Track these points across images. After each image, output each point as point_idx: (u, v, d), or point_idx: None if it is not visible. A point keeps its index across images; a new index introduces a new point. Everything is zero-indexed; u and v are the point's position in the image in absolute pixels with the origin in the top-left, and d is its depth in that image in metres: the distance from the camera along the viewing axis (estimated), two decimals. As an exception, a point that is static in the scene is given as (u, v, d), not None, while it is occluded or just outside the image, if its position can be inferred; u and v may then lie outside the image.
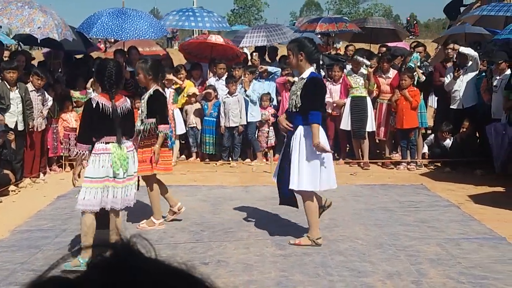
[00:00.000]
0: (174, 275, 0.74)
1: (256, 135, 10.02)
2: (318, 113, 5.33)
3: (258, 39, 11.75)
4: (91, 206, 4.90)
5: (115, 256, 0.74)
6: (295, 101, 5.42)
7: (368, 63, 9.56)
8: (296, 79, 5.67)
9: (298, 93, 5.40)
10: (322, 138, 5.35)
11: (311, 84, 5.36)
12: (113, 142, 4.96)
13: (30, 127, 8.10)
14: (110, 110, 4.92)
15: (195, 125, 10.10)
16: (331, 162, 5.56)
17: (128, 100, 5.20)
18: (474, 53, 9.18)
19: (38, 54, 13.20)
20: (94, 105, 4.92)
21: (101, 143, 4.97)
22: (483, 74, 9.27)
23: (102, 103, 4.92)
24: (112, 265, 0.73)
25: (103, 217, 5.04)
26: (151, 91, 5.93)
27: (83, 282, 0.71)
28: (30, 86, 8.34)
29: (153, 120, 5.90)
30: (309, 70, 5.44)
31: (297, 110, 5.41)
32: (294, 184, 5.41)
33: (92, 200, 4.89)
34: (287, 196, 5.69)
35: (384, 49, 11.20)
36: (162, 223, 6.25)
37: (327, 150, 5.40)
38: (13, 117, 7.97)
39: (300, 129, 5.41)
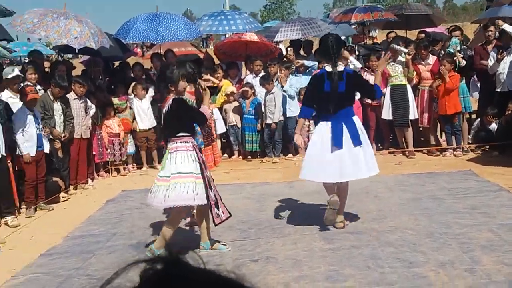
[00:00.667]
0: (224, 285, 0.75)
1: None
2: (303, 108, 5.87)
3: (292, 33, 11.72)
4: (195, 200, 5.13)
5: (165, 268, 0.75)
6: None
7: (405, 50, 9.40)
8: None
9: None
10: (318, 132, 5.71)
11: (309, 81, 5.94)
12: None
13: (63, 136, 8.17)
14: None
15: (235, 123, 10.14)
16: (334, 154, 5.61)
17: (171, 100, 5.15)
18: None
19: (78, 63, 13.46)
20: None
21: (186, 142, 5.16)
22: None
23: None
24: (163, 277, 0.74)
25: None
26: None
27: None
28: (72, 95, 8.51)
29: None
30: (321, 68, 5.83)
31: None
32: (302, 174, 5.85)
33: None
34: None
35: (423, 35, 10.96)
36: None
37: (300, 146, 6.09)
38: (56, 128, 8.15)
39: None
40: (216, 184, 6.77)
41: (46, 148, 7.68)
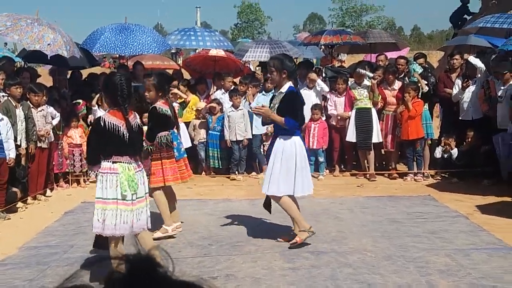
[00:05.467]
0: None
1: (261, 148, 10.02)
2: (291, 121, 5.72)
3: (261, 54, 11.81)
4: (108, 230, 4.62)
5: (132, 270, 0.74)
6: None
7: (370, 75, 9.57)
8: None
9: (276, 106, 5.81)
10: (292, 147, 5.76)
11: (288, 96, 5.79)
12: (121, 162, 4.65)
13: (30, 152, 8.06)
14: (122, 129, 4.61)
15: (205, 139, 10.11)
16: (307, 169, 5.94)
17: (138, 116, 4.97)
18: (481, 65, 9.15)
19: (44, 72, 13.27)
20: (102, 125, 4.58)
21: (108, 162, 4.66)
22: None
23: (111, 123, 4.59)
24: (130, 279, 0.73)
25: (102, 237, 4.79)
26: (151, 107, 6.06)
27: None
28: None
29: (164, 133, 6.02)
30: (287, 85, 5.83)
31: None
32: (265, 189, 5.88)
33: (107, 225, 4.62)
34: (265, 201, 6.17)
35: (403, 60, 10.71)
36: (174, 228, 6.29)
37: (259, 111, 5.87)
38: (18, 135, 7.96)
39: (279, 140, 5.83)
40: (178, 200, 6.75)
41: (10, 155, 7.48)
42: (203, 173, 10.20)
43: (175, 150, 6.20)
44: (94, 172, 4.83)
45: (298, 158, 5.78)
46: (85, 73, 11.68)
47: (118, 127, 4.62)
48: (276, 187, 5.80)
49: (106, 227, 4.62)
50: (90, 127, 4.84)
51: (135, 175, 4.69)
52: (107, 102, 4.80)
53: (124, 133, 4.63)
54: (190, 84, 10.72)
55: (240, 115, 9.77)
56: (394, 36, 14.23)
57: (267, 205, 6.20)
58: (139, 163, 4.86)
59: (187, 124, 10.10)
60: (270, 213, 6.28)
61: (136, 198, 4.71)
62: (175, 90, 9.86)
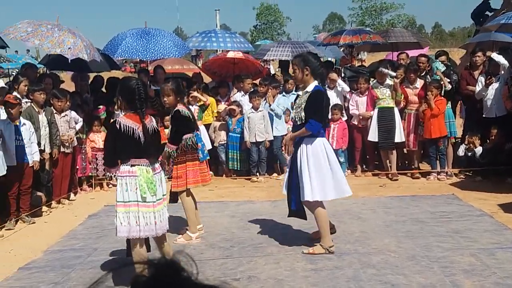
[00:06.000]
0: None
1: (282, 149, 10.01)
2: (316, 124, 5.54)
3: (283, 53, 11.83)
4: (134, 232, 4.65)
5: (156, 274, 0.75)
6: (300, 114, 5.62)
7: (393, 74, 9.49)
8: (300, 92, 5.84)
9: (303, 106, 5.61)
10: (321, 149, 5.60)
11: (313, 96, 5.59)
12: (139, 165, 4.67)
13: (54, 156, 8.22)
14: (137, 132, 4.65)
15: (225, 141, 10.15)
16: (339, 171, 5.72)
17: (154, 119, 4.99)
18: (505, 62, 9.02)
19: (66, 77, 13.44)
20: (118, 127, 4.63)
21: (127, 165, 4.69)
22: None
23: (126, 125, 4.62)
24: (154, 282, 0.73)
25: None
26: (173, 110, 6.08)
27: None
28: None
29: (189, 135, 6.04)
30: (313, 84, 5.65)
31: (302, 122, 5.61)
32: (308, 196, 5.55)
33: (132, 226, 4.64)
34: (296, 208, 5.79)
35: (423, 58, 10.28)
36: (198, 236, 6.30)
37: (287, 151, 5.81)
38: (42, 140, 8.08)
39: (306, 141, 5.62)
40: (200, 202, 6.77)
41: (33, 159, 7.59)
42: (224, 175, 10.23)
43: (199, 152, 6.22)
44: (112, 174, 4.84)
45: (330, 160, 5.62)
46: (105, 76, 11.79)
47: (133, 129, 4.64)
48: (310, 192, 5.55)
49: (131, 229, 4.65)
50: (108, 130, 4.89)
51: (153, 177, 4.73)
52: (124, 106, 4.79)
53: (140, 135, 4.66)
54: (209, 87, 10.78)
55: (260, 117, 9.78)
56: (416, 35, 14.09)
57: (299, 212, 5.84)
58: (156, 165, 4.88)
59: (207, 126, 10.15)
60: (306, 219, 5.94)
61: (156, 200, 4.75)
62: (195, 93, 9.92)
